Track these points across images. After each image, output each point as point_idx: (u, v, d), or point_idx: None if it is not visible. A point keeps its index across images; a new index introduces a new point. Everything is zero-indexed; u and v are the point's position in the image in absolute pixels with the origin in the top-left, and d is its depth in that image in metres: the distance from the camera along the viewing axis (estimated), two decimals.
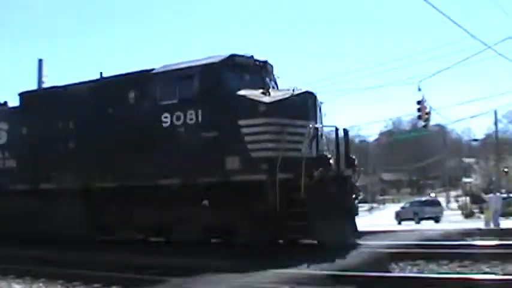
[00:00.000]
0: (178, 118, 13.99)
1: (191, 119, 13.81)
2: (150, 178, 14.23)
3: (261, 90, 13.51)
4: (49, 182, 16.25)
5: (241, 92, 13.53)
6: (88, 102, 15.80)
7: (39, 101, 17.25)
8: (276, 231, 13.14)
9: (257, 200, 12.96)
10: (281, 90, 14.15)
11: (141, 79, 14.90)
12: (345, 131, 13.88)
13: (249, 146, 13.03)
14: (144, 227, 14.88)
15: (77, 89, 16.38)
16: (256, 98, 13.20)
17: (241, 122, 13.17)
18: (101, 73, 16.45)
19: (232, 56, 14.11)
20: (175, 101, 14.09)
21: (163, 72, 14.57)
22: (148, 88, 14.65)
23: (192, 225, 13.77)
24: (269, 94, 13.35)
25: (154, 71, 14.76)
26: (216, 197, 13.57)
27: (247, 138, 13.08)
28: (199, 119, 13.70)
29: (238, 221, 13.19)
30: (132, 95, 15.08)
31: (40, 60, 30.49)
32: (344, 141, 13.73)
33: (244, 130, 13.12)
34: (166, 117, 14.17)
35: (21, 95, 17.54)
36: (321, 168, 12.89)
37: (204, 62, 14.16)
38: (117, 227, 15.28)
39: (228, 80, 13.78)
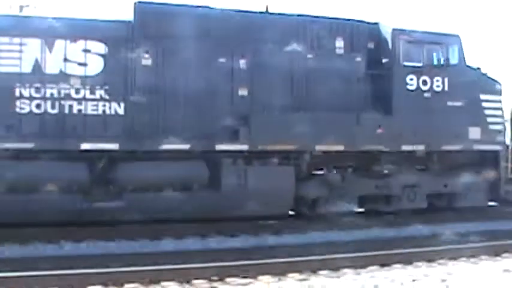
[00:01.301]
0: (424, 83, 13.65)
1: (438, 86, 13.81)
2: (388, 143, 13.28)
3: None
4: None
5: (481, 69, 14.49)
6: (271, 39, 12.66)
7: (178, 21, 12.00)
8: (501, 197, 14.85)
9: (490, 168, 14.46)
10: None
11: (360, 30, 13.57)
12: None
13: (488, 119, 14.37)
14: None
15: (250, 19, 12.66)
16: (494, 77, 14.55)
17: (482, 96, 14.30)
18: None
19: None
20: (420, 64, 13.66)
21: (406, 31, 13.68)
22: (379, 43, 13.51)
23: (419, 192, 13.85)
24: None
25: (396, 28, 13.59)
26: (451, 164, 14.15)
27: (486, 112, 14.37)
28: (446, 87, 13.87)
29: (468, 186, 14.26)
30: (339, 43, 13.26)
31: None
32: None
33: (484, 104, 14.34)
34: (412, 80, 13.52)
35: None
36: None
37: (446, 32, 14.17)
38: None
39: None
